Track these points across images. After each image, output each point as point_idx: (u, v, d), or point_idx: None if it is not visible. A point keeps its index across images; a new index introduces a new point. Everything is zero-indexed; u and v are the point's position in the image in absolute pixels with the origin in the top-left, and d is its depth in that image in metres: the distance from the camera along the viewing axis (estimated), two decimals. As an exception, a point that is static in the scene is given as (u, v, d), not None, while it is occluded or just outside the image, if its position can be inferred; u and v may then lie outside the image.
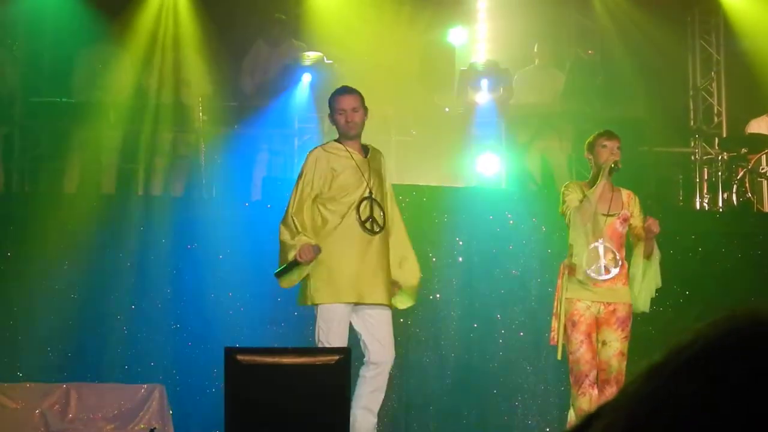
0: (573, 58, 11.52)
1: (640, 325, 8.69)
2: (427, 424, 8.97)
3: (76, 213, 9.16)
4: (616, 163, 6.98)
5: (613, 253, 7.00)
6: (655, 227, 6.93)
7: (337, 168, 6.99)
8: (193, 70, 10.69)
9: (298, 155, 10.27)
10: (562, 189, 7.23)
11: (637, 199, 7.20)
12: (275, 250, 9.16)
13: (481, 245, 9.05)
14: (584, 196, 6.99)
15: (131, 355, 8.85)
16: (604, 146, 7.05)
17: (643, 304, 7.16)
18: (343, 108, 7.01)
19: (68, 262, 8.96)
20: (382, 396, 7.05)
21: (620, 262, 7.01)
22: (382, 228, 7.01)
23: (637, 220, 7.11)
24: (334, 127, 7.14)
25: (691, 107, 11.90)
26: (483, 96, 10.79)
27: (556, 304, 7.08)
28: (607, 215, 7.03)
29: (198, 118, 10.65)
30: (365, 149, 7.16)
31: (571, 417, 7.09)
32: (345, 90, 7.14)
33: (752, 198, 10.50)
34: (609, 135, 7.13)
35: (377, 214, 7.00)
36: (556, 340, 7.02)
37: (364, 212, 6.96)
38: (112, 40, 10.74)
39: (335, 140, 7.14)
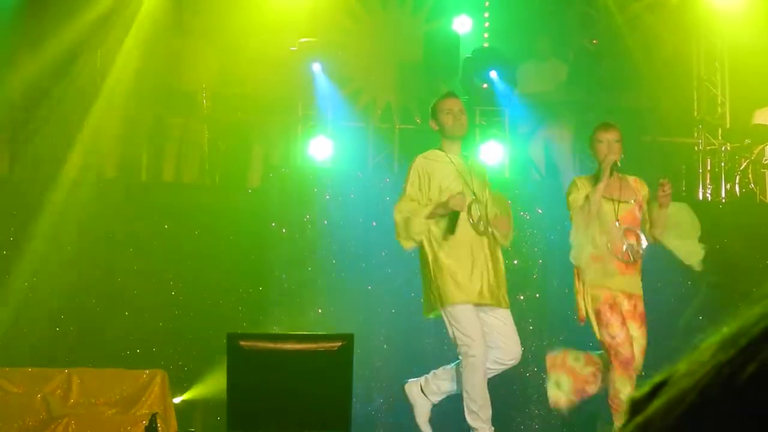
0: (576, 48, 11.50)
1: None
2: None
3: (79, 198, 9.16)
4: (615, 162, 6.91)
5: (637, 235, 6.96)
6: (667, 189, 6.87)
7: None
8: (198, 56, 10.65)
9: (302, 143, 10.25)
10: (569, 185, 7.15)
11: (645, 185, 7.16)
12: (277, 237, 9.19)
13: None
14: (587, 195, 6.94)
15: (133, 341, 8.86)
16: (601, 141, 6.99)
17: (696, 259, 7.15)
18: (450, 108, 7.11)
19: (71, 247, 8.96)
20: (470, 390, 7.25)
21: (644, 245, 6.96)
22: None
23: (647, 206, 7.08)
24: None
25: (695, 97, 11.85)
26: (487, 85, 10.79)
27: (576, 282, 6.95)
28: (620, 201, 6.98)
29: (202, 105, 10.62)
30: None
31: (619, 399, 6.84)
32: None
33: (755, 189, 10.48)
34: (605, 127, 7.05)
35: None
36: (584, 315, 6.89)
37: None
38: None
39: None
